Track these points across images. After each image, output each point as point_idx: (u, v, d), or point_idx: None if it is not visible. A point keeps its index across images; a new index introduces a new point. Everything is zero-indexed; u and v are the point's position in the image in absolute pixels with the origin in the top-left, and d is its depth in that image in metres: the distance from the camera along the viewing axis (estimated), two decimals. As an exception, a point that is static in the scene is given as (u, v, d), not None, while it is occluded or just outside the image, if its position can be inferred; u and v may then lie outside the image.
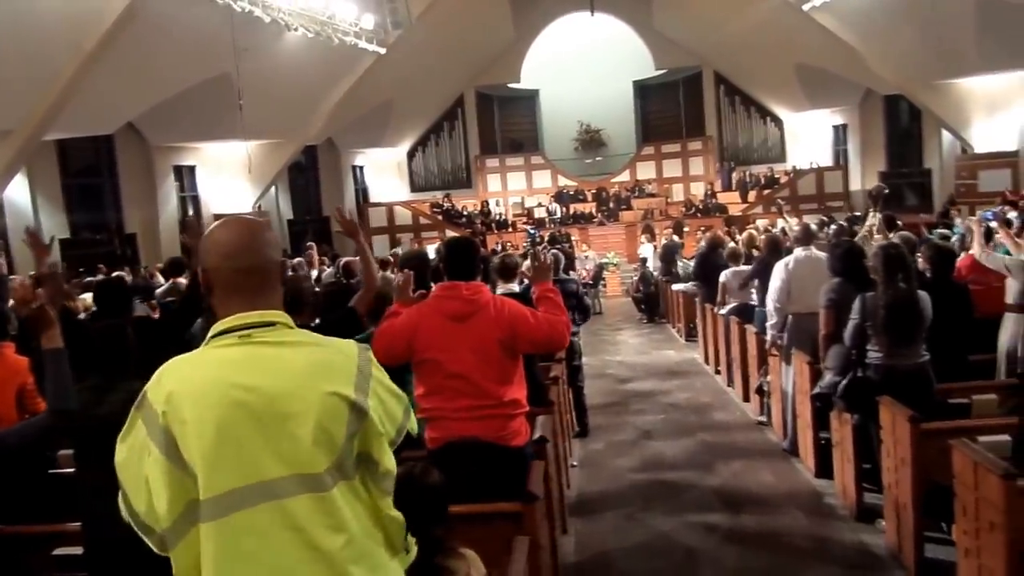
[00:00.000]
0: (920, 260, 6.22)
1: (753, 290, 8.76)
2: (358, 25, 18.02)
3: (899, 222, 11.41)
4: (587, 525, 5.83)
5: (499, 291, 6.18)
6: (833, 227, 12.02)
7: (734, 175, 26.32)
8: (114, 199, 17.37)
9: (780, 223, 12.81)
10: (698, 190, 26.48)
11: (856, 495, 5.60)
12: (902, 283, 5.08)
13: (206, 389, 1.79)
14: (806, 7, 18.43)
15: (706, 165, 27.33)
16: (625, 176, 27.52)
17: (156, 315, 7.17)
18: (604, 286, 19.80)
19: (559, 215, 25.36)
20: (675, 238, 16.82)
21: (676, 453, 7.37)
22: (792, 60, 22.73)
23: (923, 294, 5.18)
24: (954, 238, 9.57)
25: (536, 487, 3.87)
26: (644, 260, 17.68)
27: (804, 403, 6.47)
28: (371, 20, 18.37)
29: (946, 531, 4.63)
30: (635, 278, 17.51)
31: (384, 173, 27.60)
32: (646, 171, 27.50)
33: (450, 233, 23.50)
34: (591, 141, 28.99)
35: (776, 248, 8.20)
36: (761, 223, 17.22)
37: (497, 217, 25.71)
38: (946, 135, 20.91)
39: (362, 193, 26.72)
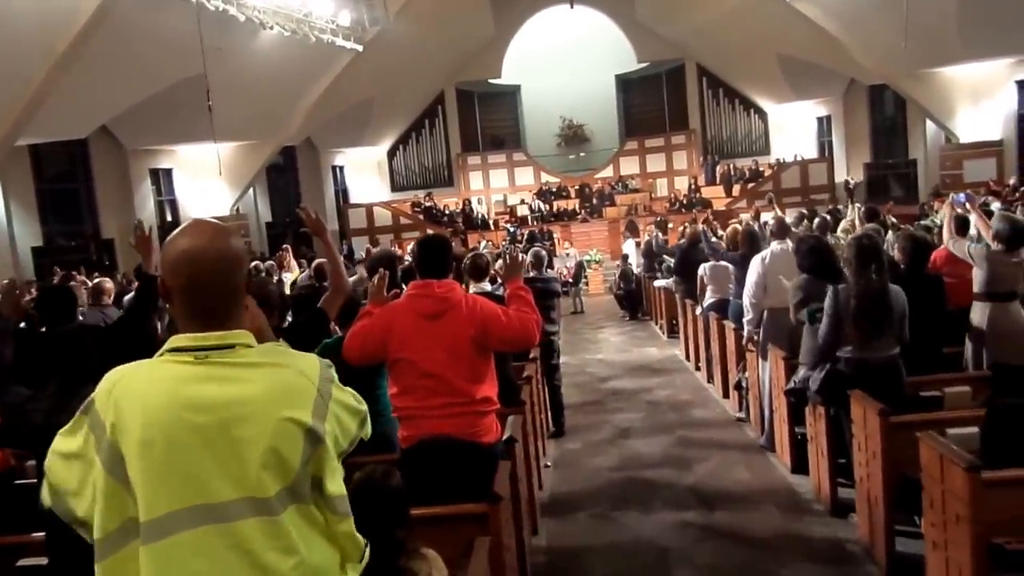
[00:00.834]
0: (896, 251, 6.17)
1: (731, 285, 8.69)
2: (335, 22, 17.84)
3: (891, 217, 11.40)
4: (559, 526, 5.77)
5: (472, 291, 6.14)
6: (816, 220, 12.00)
7: (718, 169, 26.28)
8: (89, 204, 17.18)
9: (767, 216, 12.78)
10: (682, 185, 26.43)
11: (831, 490, 5.56)
12: (875, 275, 5.00)
13: (158, 409, 1.74)
14: (788, -3, 18.41)
15: (690, 159, 27.30)
16: (609, 171, 27.47)
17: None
18: (586, 284, 19.71)
19: (541, 212, 25.27)
20: (658, 234, 16.75)
21: (653, 451, 7.30)
22: (775, 51, 22.70)
23: (896, 288, 5.11)
24: (937, 229, 9.51)
25: (502, 488, 3.84)
26: (625, 257, 17.62)
27: (780, 398, 6.41)
28: (348, 17, 18.16)
29: (918, 524, 4.58)
30: (617, 275, 17.45)
31: (364, 173, 27.45)
32: (630, 166, 27.45)
33: (431, 233, 23.41)
34: (574, 136, 28.92)
35: (755, 242, 8.12)
36: (745, 216, 17.21)
37: (479, 216, 25.59)
38: (931, 125, 20.91)
39: (342, 194, 26.56)
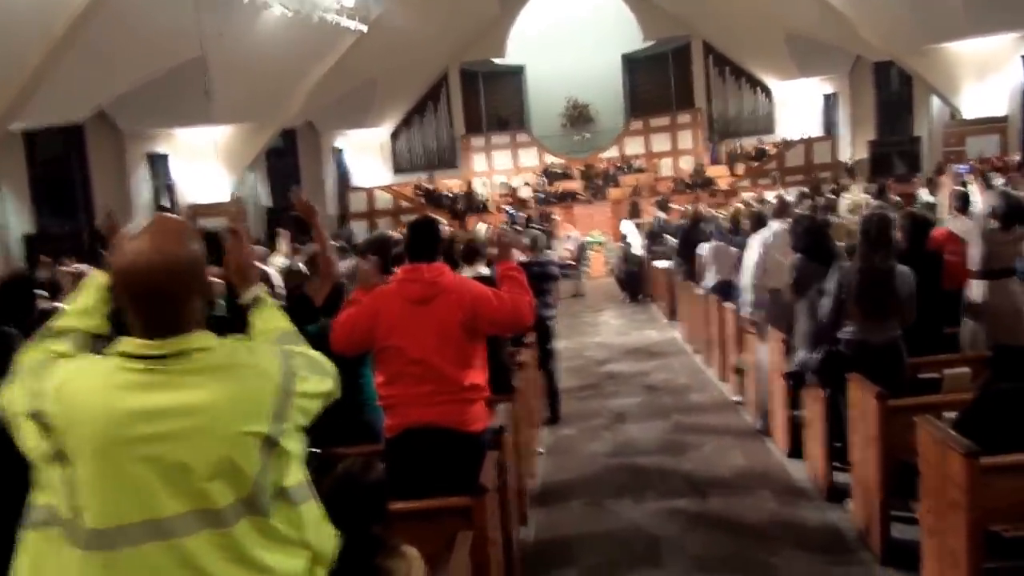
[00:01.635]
0: (896, 230, 6.02)
1: (733, 266, 8.54)
2: (339, 3, 17.60)
3: (893, 195, 11.24)
4: (549, 515, 5.66)
5: (467, 274, 6.01)
6: (821, 200, 11.84)
7: (723, 148, 26.03)
8: (84, 190, 16.86)
9: (771, 196, 12.62)
10: (687, 164, 26.20)
11: (826, 475, 5.43)
12: (883, 255, 4.86)
13: (107, 420, 1.67)
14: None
15: (695, 138, 27.02)
16: (613, 152, 27.22)
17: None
18: (588, 266, 19.53)
19: (544, 194, 25.06)
20: (660, 214, 16.57)
21: (649, 437, 7.19)
22: (782, 27, 22.37)
23: (904, 268, 4.96)
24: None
25: (488, 479, 3.74)
26: (624, 237, 17.44)
27: (778, 381, 6.28)
28: (351, -3, 17.90)
29: (914, 511, 4.45)
30: (616, 257, 17.27)
31: (366, 155, 27.18)
32: (634, 146, 27.18)
33: (433, 216, 23.21)
34: (579, 117, 28.60)
35: (762, 224, 7.96)
36: (747, 196, 17.04)
37: (481, 198, 25.37)
38: (937, 102, 20.64)
39: (344, 177, 26.33)
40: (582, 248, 18.61)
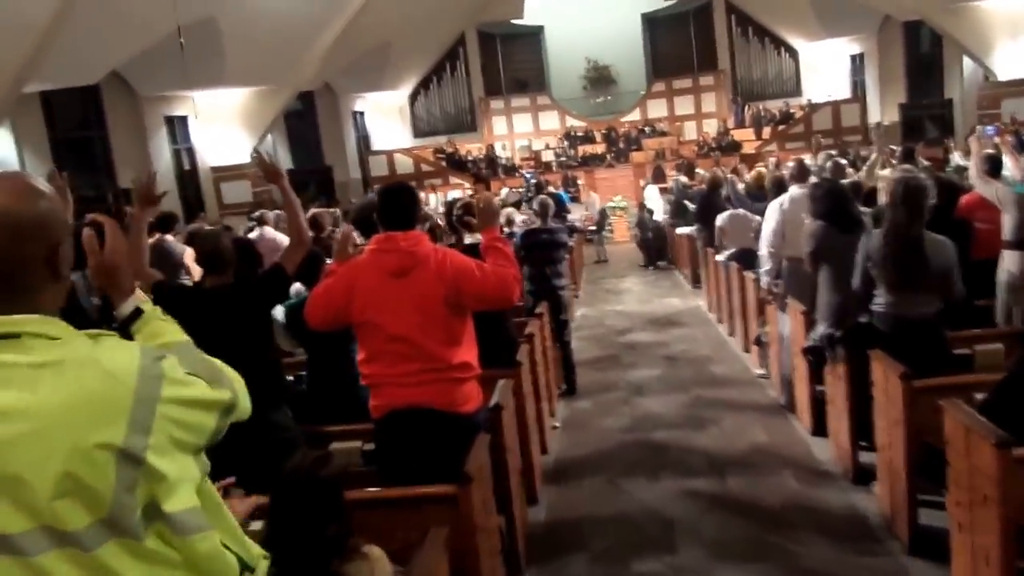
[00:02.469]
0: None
1: (753, 234, 8.26)
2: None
3: (922, 159, 10.84)
4: (561, 494, 5.47)
5: (467, 241, 5.80)
6: (843, 161, 11.46)
7: (748, 111, 25.51)
8: (104, 153, 16.86)
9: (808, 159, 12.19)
10: (711, 128, 25.72)
11: (851, 455, 5.19)
12: (913, 220, 4.52)
13: None
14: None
15: (719, 101, 26.52)
16: (636, 115, 26.77)
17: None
18: (611, 231, 19.23)
19: (567, 157, 24.71)
20: (683, 179, 16.22)
21: (667, 411, 6.96)
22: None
23: (942, 239, 4.60)
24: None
25: (480, 463, 3.52)
26: (642, 205, 17.13)
27: (799, 355, 6.04)
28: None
29: (944, 496, 4.21)
30: (635, 222, 16.99)
31: (386, 118, 26.92)
32: (657, 109, 26.74)
33: (454, 181, 22.94)
34: (600, 79, 28.13)
35: (783, 190, 7.65)
36: (772, 160, 16.61)
37: (504, 162, 25.07)
38: (968, 63, 20.02)
39: (364, 140, 26.07)
40: (603, 213, 18.32)
